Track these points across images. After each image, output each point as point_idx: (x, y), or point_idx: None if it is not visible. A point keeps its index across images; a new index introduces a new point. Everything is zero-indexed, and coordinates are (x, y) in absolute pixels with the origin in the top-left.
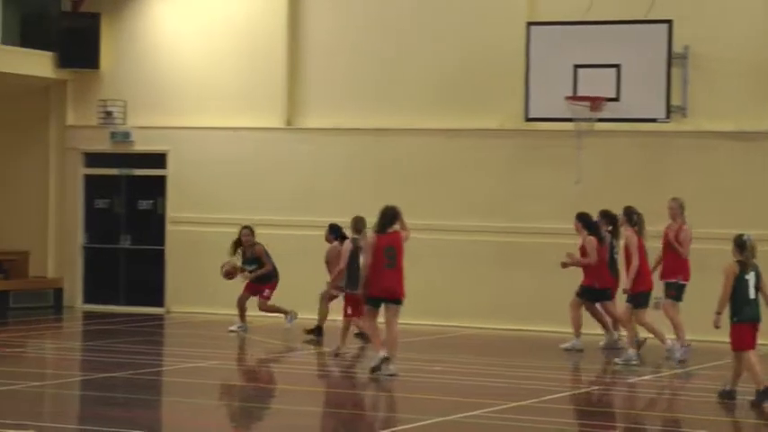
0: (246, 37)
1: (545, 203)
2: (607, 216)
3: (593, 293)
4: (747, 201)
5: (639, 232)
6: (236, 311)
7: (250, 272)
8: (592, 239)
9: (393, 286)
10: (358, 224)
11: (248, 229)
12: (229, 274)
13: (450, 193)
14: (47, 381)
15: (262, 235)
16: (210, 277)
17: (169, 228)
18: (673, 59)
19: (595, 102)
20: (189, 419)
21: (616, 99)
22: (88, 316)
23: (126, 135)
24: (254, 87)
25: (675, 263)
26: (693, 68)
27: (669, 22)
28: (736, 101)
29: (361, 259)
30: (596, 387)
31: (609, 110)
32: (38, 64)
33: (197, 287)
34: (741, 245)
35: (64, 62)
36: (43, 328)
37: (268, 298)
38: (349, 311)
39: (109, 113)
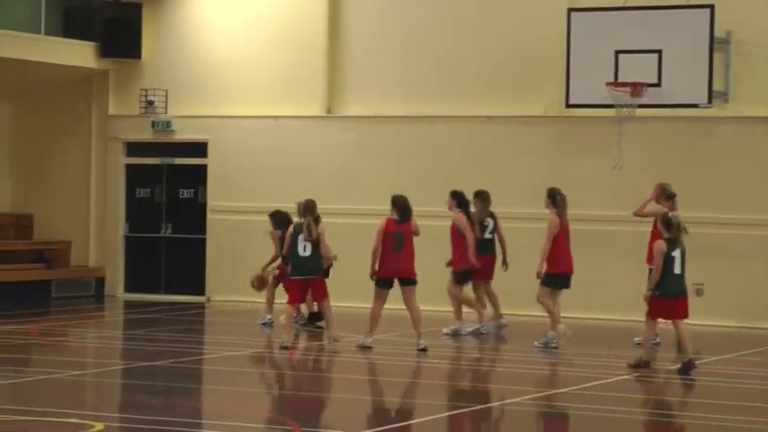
0: (286, 25)
1: (586, 190)
2: (479, 196)
3: (463, 275)
4: None
5: (562, 214)
6: (278, 300)
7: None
8: (460, 216)
9: (403, 266)
10: (307, 208)
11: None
12: (261, 282)
13: (492, 180)
14: (88, 369)
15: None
16: (251, 266)
17: (210, 216)
18: (714, 44)
19: (636, 88)
20: (229, 407)
21: (657, 85)
22: (129, 305)
23: (167, 124)
24: (294, 76)
25: None
26: (735, 54)
27: (711, 6)
28: None
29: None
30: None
31: (650, 96)
32: (80, 54)
33: (237, 276)
34: (668, 223)
35: (106, 52)
36: (85, 317)
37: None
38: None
39: (150, 103)
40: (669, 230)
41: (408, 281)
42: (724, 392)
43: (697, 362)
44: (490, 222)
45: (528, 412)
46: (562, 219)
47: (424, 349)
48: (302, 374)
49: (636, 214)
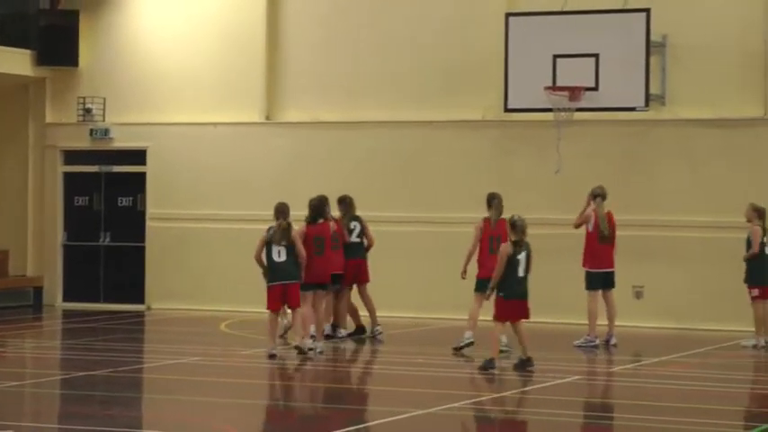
0: (225, 32)
1: (526, 194)
2: (342, 202)
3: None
4: (727, 188)
5: (491, 218)
6: (219, 307)
7: None
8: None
9: (323, 272)
10: (278, 212)
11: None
12: None
13: (431, 185)
14: (26, 380)
15: (241, 230)
16: (191, 273)
17: (149, 224)
18: (651, 48)
19: (574, 92)
20: (169, 416)
21: (595, 89)
22: (68, 314)
23: (105, 132)
24: (233, 82)
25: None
26: (671, 57)
27: (647, 10)
28: (714, 89)
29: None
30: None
31: (588, 99)
32: (16, 62)
33: (177, 283)
34: (513, 225)
35: (42, 60)
36: (23, 327)
37: None
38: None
39: (88, 111)
40: (515, 232)
41: (323, 286)
42: (663, 394)
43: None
44: (357, 226)
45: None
46: (488, 222)
47: (321, 352)
48: (243, 382)
49: (575, 226)
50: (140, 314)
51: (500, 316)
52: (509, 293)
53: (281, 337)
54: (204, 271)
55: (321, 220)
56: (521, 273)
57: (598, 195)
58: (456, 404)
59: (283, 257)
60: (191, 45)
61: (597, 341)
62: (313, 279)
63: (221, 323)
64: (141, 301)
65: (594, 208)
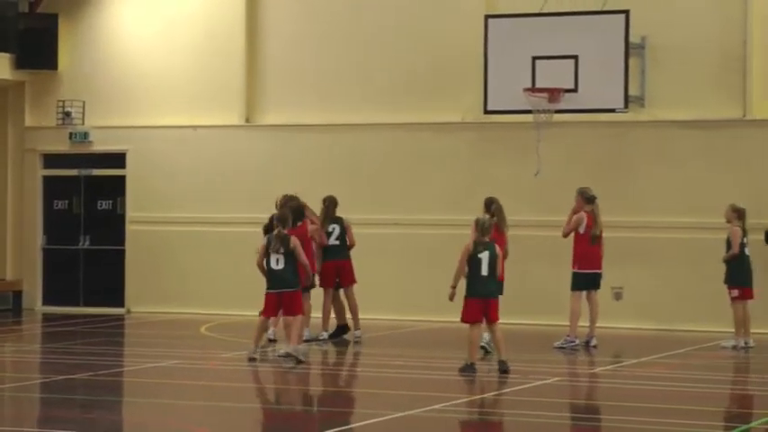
0: (204, 35)
1: (506, 195)
2: (323, 203)
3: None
4: (706, 189)
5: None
6: (199, 310)
7: None
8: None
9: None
10: (278, 220)
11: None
12: None
13: (411, 187)
14: (6, 384)
15: (221, 233)
16: (171, 276)
17: (129, 228)
18: (630, 50)
19: (554, 93)
20: (149, 419)
21: (574, 90)
22: (48, 318)
23: (84, 135)
24: (213, 85)
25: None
26: (651, 58)
27: (626, 12)
28: (693, 90)
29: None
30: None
31: (567, 101)
32: None
33: (157, 287)
34: (476, 224)
35: (22, 63)
36: (2, 330)
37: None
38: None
39: (67, 114)
40: (477, 231)
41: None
42: (643, 395)
43: (600, 369)
44: (336, 228)
45: (451, 419)
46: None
47: (298, 361)
48: (223, 385)
49: (565, 235)
50: (120, 317)
51: (464, 316)
52: (470, 292)
53: (262, 347)
54: (184, 274)
55: (299, 223)
56: (484, 272)
57: (594, 198)
58: (437, 406)
59: (281, 265)
60: (170, 48)
61: (577, 342)
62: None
63: (201, 326)
64: (121, 304)
65: (590, 210)
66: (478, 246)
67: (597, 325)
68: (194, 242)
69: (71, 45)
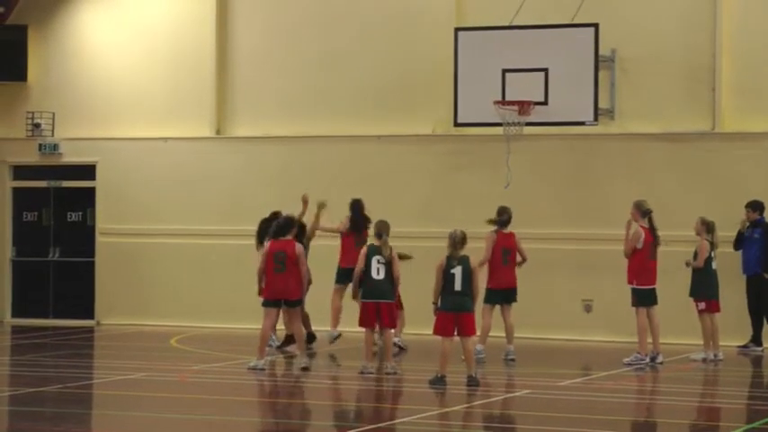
0: (174, 47)
1: (476, 208)
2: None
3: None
4: (675, 202)
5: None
6: (169, 323)
7: None
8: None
9: (283, 288)
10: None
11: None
12: None
13: (381, 200)
14: None
15: (192, 245)
16: (141, 288)
17: (99, 239)
18: (600, 62)
19: (524, 106)
20: None
21: (544, 103)
22: (17, 330)
23: (54, 147)
24: (183, 97)
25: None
26: (620, 71)
27: (595, 25)
28: (663, 103)
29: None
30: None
31: (537, 114)
32: None
33: (128, 299)
34: (450, 239)
35: None
36: None
37: None
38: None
39: (37, 125)
40: (449, 246)
41: (289, 303)
42: (612, 408)
43: (581, 378)
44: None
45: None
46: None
47: (306, 368)
48: (192, 397)
49: (627, 255)
50: (90, 330)
51: (435, 329)
52: (442, 305)
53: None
54: (154, 286)
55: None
56: (456, 287)
57: (650, 211)
58: (406, 419)
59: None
60: (140, 60)
61: (647, 358)
62: (270, 296)
63: (172, 338)
64: (91, 316)
65: (645, 224)
66: (452, 261)
67: (569, 337)
68: (165, 254)
69: (40, 56)
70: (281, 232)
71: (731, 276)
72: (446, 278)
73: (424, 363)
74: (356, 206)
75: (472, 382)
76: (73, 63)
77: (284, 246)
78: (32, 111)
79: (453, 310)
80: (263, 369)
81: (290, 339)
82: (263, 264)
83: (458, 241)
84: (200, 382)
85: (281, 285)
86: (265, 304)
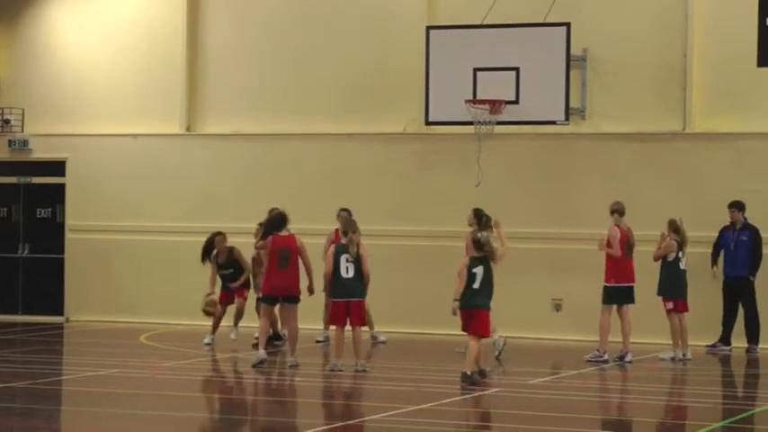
0: (145, 43)
1: (447, 207)
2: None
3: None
4: (647, 202)
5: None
6: (139, 319)
7: (232, 282)
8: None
9: (286, 284)
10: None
11: (222, 235)
12: (211, 308)
13: (352, 198)
14: None
15: (162, 242)
16: (111, 285)
17: (69, 236)
18: (571, 62)
19: (495, 105)
20: (88, 428)
21: (515, 102)
22: None
23: (24, 143)
24: (153, 94)
25: None
26: (592, 71)
27: (567, 24)
28: (634, 103)
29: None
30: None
31: (508, 113)
32: None
33: (97, 295)
34: (478, 243)
35: None
36: None
37: (246, 299)
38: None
39: (6, 121)
40: (478, 249)
41: (291, 299)
42: (580, 406)
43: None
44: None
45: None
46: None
47: (294, 365)
48: (162, 394)
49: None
50: (59, 326)
51: (462, 325)
52: (463, 304)
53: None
54: (124, 283)
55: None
56: (476, 285)
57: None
58: (375, 416)
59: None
60: (110, 56)
61: (605, 356)
62: (272, 292)
63: (141, 335)
64: (60, 312)
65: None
66: (476, 260)
67: (539, 336)
68: (134, 251)
69: (10, 53)
70: (279, 227)
71: (699, 276)
72: (468, 276)
73: (392, 361)
74: (272, 219)
75: (477, 378)
76: (43, 59)
77: (288, 242)
78: (2, 107)
79: (473, 307)
80: (262, 362)
81: (276, 337)
82: (268, 260)
83: (486, 243)
84: (170, 378)
85: (282, 282)
86: (264, 301)
